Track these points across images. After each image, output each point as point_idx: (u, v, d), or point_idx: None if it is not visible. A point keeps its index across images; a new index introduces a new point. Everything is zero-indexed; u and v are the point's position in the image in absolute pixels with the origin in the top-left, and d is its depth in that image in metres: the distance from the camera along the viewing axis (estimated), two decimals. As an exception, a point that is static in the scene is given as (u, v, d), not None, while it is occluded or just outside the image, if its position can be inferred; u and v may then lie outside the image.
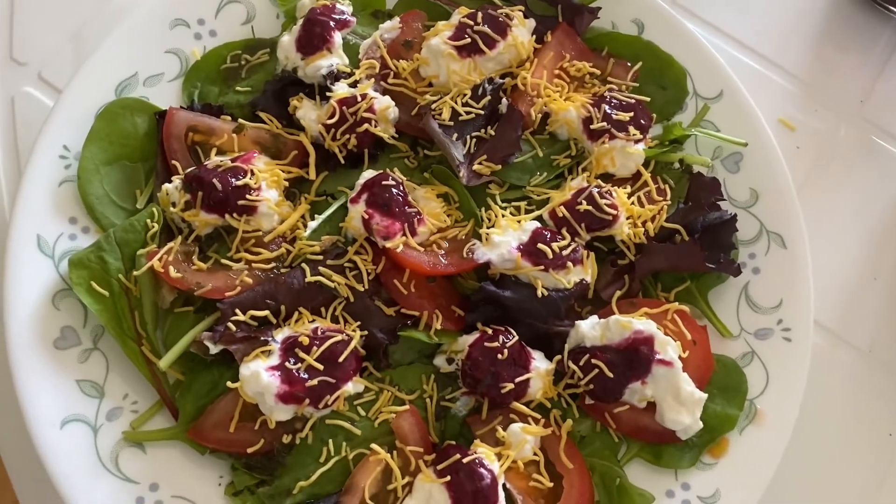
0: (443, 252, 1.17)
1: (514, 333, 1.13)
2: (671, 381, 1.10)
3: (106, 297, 1.11)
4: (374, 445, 1.07)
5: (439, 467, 1.05)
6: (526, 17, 1.31)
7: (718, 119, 1.31)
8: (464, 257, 1.16)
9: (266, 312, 1.10)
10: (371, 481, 1.06)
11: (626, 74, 1.32)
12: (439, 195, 1.22)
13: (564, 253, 1.16)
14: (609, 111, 1.25)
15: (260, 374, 1.05)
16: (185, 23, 1.29)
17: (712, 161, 1.28)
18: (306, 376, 1.06)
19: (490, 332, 1.13)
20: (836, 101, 1.51)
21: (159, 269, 1.11)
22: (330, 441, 1.08)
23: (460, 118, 1.22)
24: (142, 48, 1.26)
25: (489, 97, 1.23)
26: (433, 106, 1.23)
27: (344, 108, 1.20)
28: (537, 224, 1.18)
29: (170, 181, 1.19)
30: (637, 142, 1.24)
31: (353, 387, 1.09)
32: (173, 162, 1.20)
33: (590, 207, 1.18)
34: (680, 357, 1.11)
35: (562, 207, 1.19)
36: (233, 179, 1.15)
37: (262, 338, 1.09)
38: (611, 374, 1.10)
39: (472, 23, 1.26)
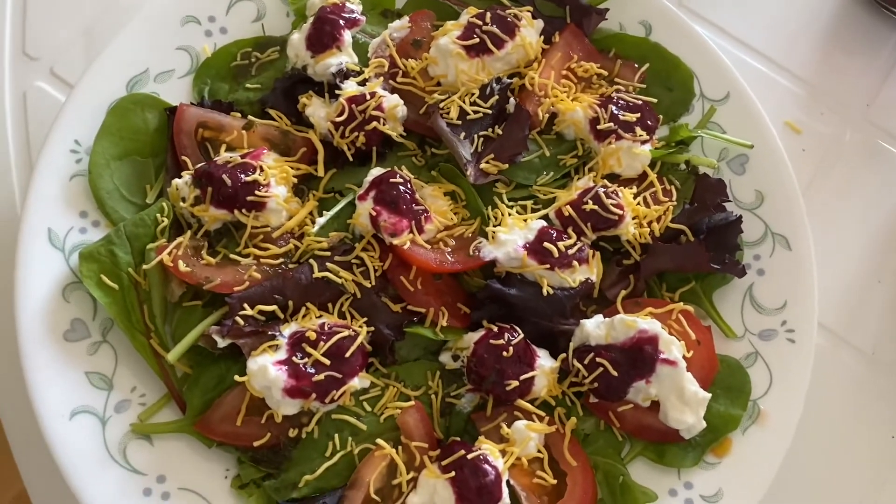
0: (449, 250, 1.17)
1: (520, 331, 1.14)
2: (675, 380, 1.11)
3: (115, 290, 1.12)
4: (379, 441, 1.08)
5: (444, 463, 1.06)
6: (534, 17, 1.31)
7: (725, 121, 1.31)
8: (470, 255, 1.17)
9: (274, 307, 1.11)
10: (376, 476, 1.06)
11: (634, 76, 1.33)
12: (446, 193, 1.23)
13: (570, 252, 1.16)
14: (616, 112, 1.25)
15: (267, 369, 1.05)
16: (195, 20, 1.30)
17: (718, 162, 1.29)
18: (313, 371, 1.07)
19: (495, 329, 1.13)
20: (842, 104, 1.52)
21: (169, 263, 1.12)
22: (336, 436, 1.09)
23: (468, 117, 1.23)
24: (153, 44, 1.27)
25: (497, 97, 1.24)
26: (441, 105, 1.24)
27: (353, 105, 1.21)
28: (543, 223, 1.19)
29: (180, 177, 1.19)
30: (643, 143, 1.25)
31: (359, 382, 1.10)
32: (183, 158, 1.21)
33: (596, 207, 1.18)
34: (684, 357, 1.12)
35: (568, 207, 1.20)
36: (242, 175, 1.16)
37: (269, 332, 1.10)
38: (615, 373, 1.11)
39: (480, 23, 1.27)
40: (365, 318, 1.14)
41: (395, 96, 1.25)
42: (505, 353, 1.11)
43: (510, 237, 1.17)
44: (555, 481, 1.09)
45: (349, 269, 1.15)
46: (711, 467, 1.14)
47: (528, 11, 1.31)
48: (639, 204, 1.22)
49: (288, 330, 1.10)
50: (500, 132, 1.24)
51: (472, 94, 1.24)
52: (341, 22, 1.28)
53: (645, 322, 1.13)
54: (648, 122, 1.26)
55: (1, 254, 1.27)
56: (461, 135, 1.22)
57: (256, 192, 1.15)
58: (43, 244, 1.14)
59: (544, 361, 1.14)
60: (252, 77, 1.31)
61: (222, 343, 1.09)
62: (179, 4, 1.30)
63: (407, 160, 1.26)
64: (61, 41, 1.43)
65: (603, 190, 1.20)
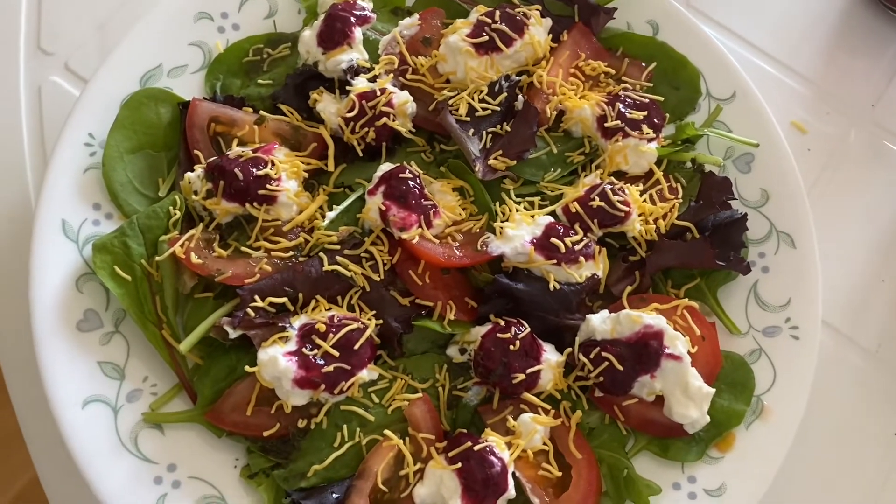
0: (457, 244, 1.19)
1: (526, 325, 1.15)
2: (680, 375, 1.12)
3: (128, 281, 1.13)
4: (387, 432, 1.09)
5: (451, 454, 1.07)
6: (543, 16, 1.33)
7: (731, 120, 1.32)
8: (478, 250, 1.18)
9: (284, 299, 1.13)
10: (384, 466, 1.08)
11: (641, 74, 1.34)
12: (455, 189, 1.24)
13: (577, 248, 1.17)
14: (623, 110, 1.27)
15: (278, 359, 1.07)
16: (208, 16, 1.32)
17: (724, 161, 1.30)
18: (322, 362, 1.08)
19: (502, 323, 1.14)
20: (847, 105, 1.53)
21: (181, 254, 1.13)
22: (344, 426, 1.10)
23: (477, 114, 1.24)
24: (166, 40, 1.29)
25: (505, 94, 1.25)
26: (450, 101, 1.25)
27: (363, 102, 1.23)
28: (550, 219, 1.20)
29: (192, 170, 1.21)
30: (650, 140, 1.26)
31: (367, 374, 1.12)
32: (195, 152, 1.23)
33: (602, 204, 1.20)
34: (689, 352, 1.13)
35: (575, 203, 1.21)
36: (254, 169, 1.17)
37: (279, 324, 1.11)
38: (620, 367, 1.12)
39: (489, 21, 1.28)
40: (373, 311, 1.15)
41: (405, 93, 1.26)
42: (511, 347, 1.12)
43: (517, 233, 1.18)
44: (560, 474, 1.10)
45: (358, 263, 1.16)
46: (715, 462, 1.15)
47: (537, 10, 1.33)
48: (645, 201, 1.24)
49: (298, 322, 1.12)
50: (509, 129, 1.25)
51: (481, 92, 1.26)
52: (352, 19, 1.29)
53: (650, 317, 1.14)
54: (655, 121, 1.28)
55: (15, 245, 1.29)
56: (470, 131, 1.24)
57: (267, 186, 1.17)
58: (57, 235, 1.16)
59: (550, 355, 1.15)
60: (264, 73, 1.32)
61: (233, 334, 1.10)
62: (193, 1, 1.31)
63: (416, 156, 1.27)
64: (76, 36, 1.45)
65: (610, 187, 1.21)
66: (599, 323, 1.15)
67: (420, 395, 1.12)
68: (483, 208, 1.23)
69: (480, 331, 1.15)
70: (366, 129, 1.23)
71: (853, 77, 1.55)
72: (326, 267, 1.14)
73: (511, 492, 1.07)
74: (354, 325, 1.11)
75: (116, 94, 1.24)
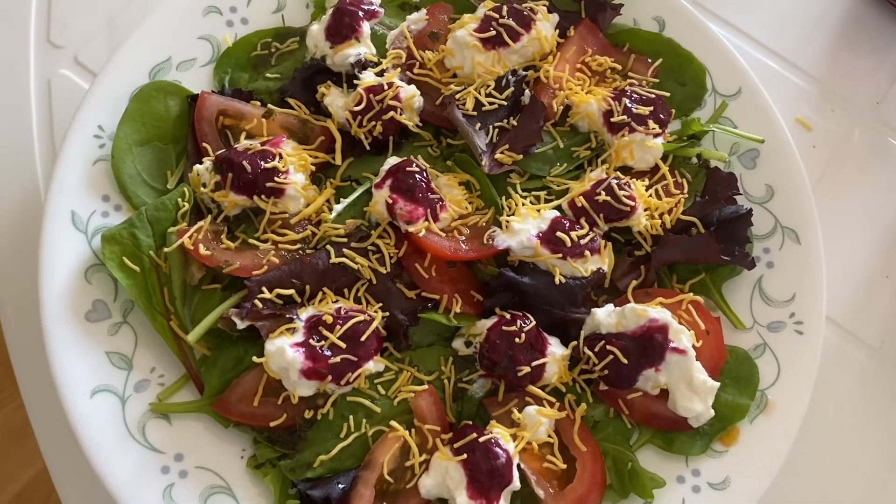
0: (464, 238, 1.19)
1: (532, 319, 1.15)
2: (684, 369, 1.12)
3: (136, 272, 1.14)
4: (393, 423, 1.10)
5: (456, 446, 1.07)
6: (550, 11, 1.33)
7: (736, 116, 1.33)
8: (484, 244, 1.19)
9: (291, 291, 1.13)
10: (389, 457, 1.08)
11: (647, 70, 1.35)
12: (461, 183, 1.25)
13: (582, 242, 1.18)
14: (629, 105, 1.27)
15: (285, 350, 1.08)
16: (217, 10, 1.33)
17: (729, 157, 1.30)
18: (329, 354, 1.09)
19: (508, 316, 1.15)
20: (852, 102, 1.53)
21: (189, 246, 1.14)
22: (350, 417, 1.11)
23: (483, 108, 1.25)
24: (175, 34, 1.29)
25: (512, 89, 1.26)
26: (457, 96, 1.26)
27: (370, 95, 1.23)
28: (556, 213, 1.21)
29: (200, 163, 1.22)
30: (656, 136, 1.27)
31: (373, 366, 1.12)
32: (204, 144, 1.24)
33: (608, 198, 1.20)
34: (693, 346, 1.13)
35: (581, 198, 1.21)
36: (262, 162, 1.18)
37: (287, 316, 1.12)
38: (625, 361, 1.12)
39: (497, 16, 1.29)
40: (380, 304, 1.16)
41: (412, 87, 1.27)
42: (517, 340, 1.12)
43: (523, 226, 1.18)
44: (564, 466, 1.11)
45: (365, 256, 1.17)
46: (719, 455, 1.16)
47: (544, 5, 1.33)
48: (651, 196, 1.24)
49: (305, 314, 1.12)
50: (515, 123, 1.26)
51: (488, 86, 1.26)
52: (360, 13, 1.30)
53: (655, 311, 1.14)
54: (661, 116, 1.28)
55: (25, 236, 1.29)
56: (476, 125, 1.25)
57: (275, 179, 1.17)
58: (66, 226, 1.17)
59: (555, 349, 1.15)
60: (272, 67, 1.33)
61: (241, 325, 1.11)
62: (201, -5, 1.32)
63: (423, 150, 1.28)
64: (85, 30, 1.45)
65: (615, 182, 1.22)
66: (604, 316, 1.16)
67: (426, 387, 1.13)
68: (489, 202, 1.24)
69: (486, 324, 1.15)
70: (373, 122, 1.23)
71: (858, 75, 1.55)
72: (333, 259, 1.15)
73: (516, 483, 1.07)
74: (361, 317, 1.12)
75: (126, 86, 1.25)
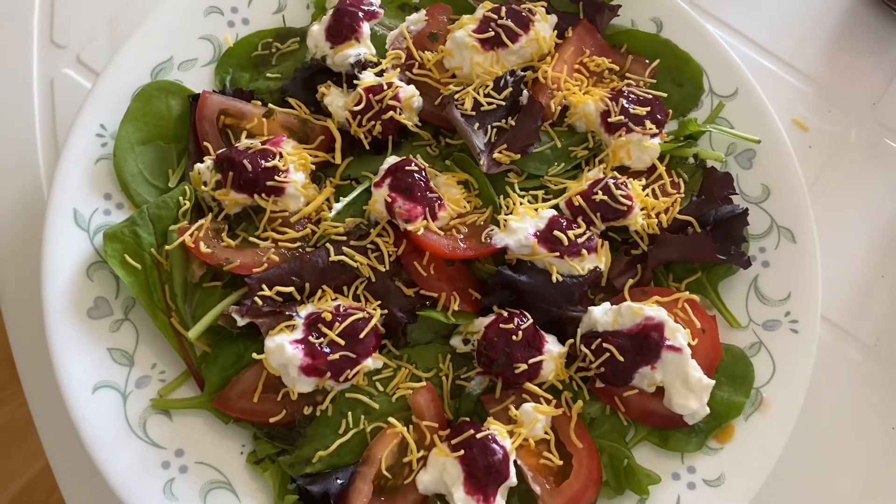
0: (462, 237, 1.20)
1: (529, 317, 1.16)
2: (680, 366, 1.13)
3: (138, 269, 1.15)
4: (391, 419, 1.11)
5: (453, 442, 1.08)
6: (548, 13, 1.34)
7: (733, 116, 1.34)
8: (482, 242, 1.20)
9: (291, 289, 1.14)
10: (387, 453, 1.09)
11: (644, 71, 1.36)
12: (460, 182, 1.26)
13: (579, 241, 1.19)
14: (626, 105, 1.28)
15: (284, 347, 1.09)
16: (218, 10, 1.34)
17: (726, 157, 1.31)
18: (328, 351, 1.10)
19: (505, 314, 1.16)
20: (849, 103, 1.54)
21: (190, 244, 1.15)
22: (349, 414, 1.12)
23: (482, 108, 1.26)
24: (177, 34, 1.30)
25: (510, 89, 1.27)
26: (456, 96, 1.27)
27: (370, 95, 1.25)
28: (554, 212, 1.22)
29: (201, 161, 1.23)
30: (653, 136, 1.28)
31: (372, 363, 1.13)
32: (205, 143, 1.25)
33: (605, 198, 1.21)
34: (689, 344, 1.14)
35: (578, 197, 1.22)
36: (262, 161, 1.19)
37: (286, 313, 1.13)
38: (621, 359, 1.13)
39: (495, 17, 1.30)
40: (379, 302, 1.17)
41: (412, 87, 1.28)
42: (514, 338, 1.13)
43: (521, 225, 1.19)
44: (561, 462, 1.12)
45: (364, 254, 1.18)
46: (714, 453, 1.17)
47: (543, 6, 1.34)
48: (647, 195, 1.25)
49: (304, 311, 1.13)
50: (513, 123, 1.27)
51: (487, 86, 1.27)
52: (360, 14, 1.31)
53: (651, 309, 1.15)
54: (658, 116, 1.29)
55: (27, 233, 1.31)
56: (475, 125, 1.26)
57: (276, 178, 1.18)
58: (69, 224, 1.18)
59: (552, 346, 1.16)
60: (272, 67, 1.34)
61: (241, 322, 1.12)
62: (203, -5, 1.33)
63: (422, 149, 1.29)
64: (88, 30, 1.46)
65: (612, 181, 1.23)
66: (601, 315, 1.17)
67: (424, 384, 1.14)
68: (487, 201, 1.25)
69: (484, 321, 1.16)
70: (372, 122, 1.24)
71: (855, 76, 1.56)
72: (333, 257, 1.16)
73: (512, 479, 1.08)
74: (360, 315, 1.13)
75: (128, 86, 1.26)
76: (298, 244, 1.19)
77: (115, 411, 1.11)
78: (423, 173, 1.21)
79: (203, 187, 1.21)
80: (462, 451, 1.07)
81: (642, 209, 1.24)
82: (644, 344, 1.14)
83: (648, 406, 1.16)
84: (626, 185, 1.23)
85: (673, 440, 1.17)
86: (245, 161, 1.18)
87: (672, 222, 1.24)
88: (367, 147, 1.26)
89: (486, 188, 1.25)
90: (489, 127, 1.26)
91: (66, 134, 1.22)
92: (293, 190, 1.20)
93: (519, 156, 1.25)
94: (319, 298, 1.16)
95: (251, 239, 1.19)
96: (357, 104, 1.25)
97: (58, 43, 1.46)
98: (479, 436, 1.08)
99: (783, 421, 1.17)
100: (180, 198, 1.20)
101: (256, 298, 1.12)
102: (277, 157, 1.20)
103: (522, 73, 1.30)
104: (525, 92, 1.29)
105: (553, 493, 1.10)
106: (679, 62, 1.36)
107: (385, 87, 1.25)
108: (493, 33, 1.29)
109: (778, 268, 1.25)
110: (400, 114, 1.25)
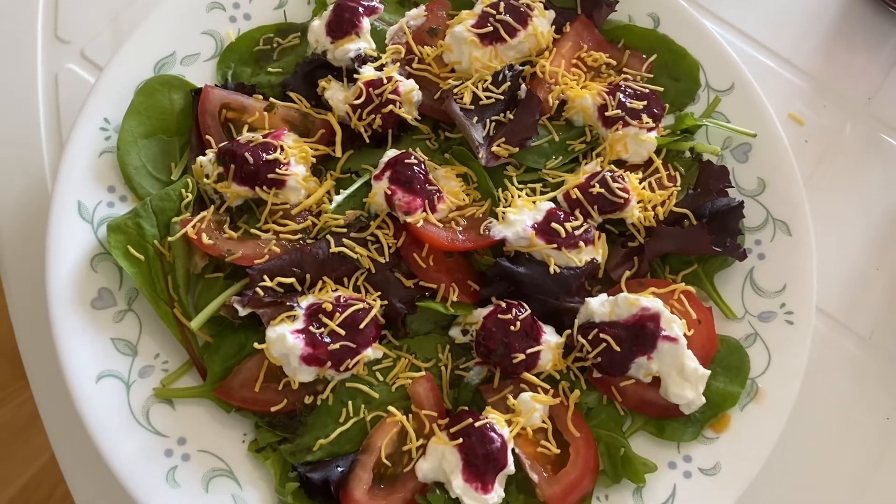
0: (461, 229, 1.22)
1: (527, 308, 1.17)
2: (676, 356, 1.14)
3: (141, 261, 1.17)
4: (390, 408, 1.13)
5: (452, 430, 1.10)
6: (546, 8, 1.35)
7: (729, 111, 1.35)
8: (480, 234, 1.21)
9: (292, 280, 1.16)
10: (387, 442, 1.11)
11: (641, 66, 1.37)
12: (459, 175, 1.27)
13: (577, 233, 1.20)
14: (624, 100, 1.29)
15: (286, 337, 1.10)
16: (220, 6, 1.35)
17: (722, 151, 1.32)
18: (329, 340, 1.12)
19: (504, 305, 1.17)
20: (844, 98, 1.55)
21: (193, 235, 1.17)
22: (349, 403, 1.13)
23: (481, 102, 1.27)
24: (180, 29, 1.32)
25: (509, 83, 1.29)
26: (455, 90, 1.28)
27: (370, 89, 1.26)
28: (552, 205, 1.23)
29: (204, 154, 1.24)
30: (650, 130, 1.29)
31: (372, 352, 1.15)
32: (207, 137, 1.26)
33: (602, 191, 1.22)
34: (685, 335, 1.15)
35: (575, 190, 1.24)
36: (263, 154, 1.20)
37: (287, 303, 1.14)
38: (618, 349, 1.14)
39: (494, 12, 1.31)
40: (379, 293, 1.18)
41: (411, 81, 1.29)
42: (512, 328, 1.14)
43: (519, 217, 1.21)
44: (558, 451, 1.13)
45: (364, 246, 1.19)
46: (710, 442, 1.18)
47: (541, 2, 1.35)
48: (644, 188, 1.26)
49: (305, 301, 1.15)
50: (512, 117, 1.28)
51: (485, 81, 1.29)
52: (360, 10, 1.33)
53: (647, 300, 1.16)
54: (655, 111, 1.30)
55: (32, 225, 1.32)
56: (474, 119, 1.27)
57: (277, 171, 1.20)
58: (73, 216, 1.19)
59: (550, 337, 1.18)
60: (274, 61, 1.36)
61: (243, 312, 1.13)
62: (205, -9, 1.35)
63: (421, 143, 1.30)
64: (91, 25, 1.48)
65: (610, 174, 1.24)
66: (598, 306, 1.18)
67: (423, 373, 1.15)
68: (486, 194, 1.26)
69: (482, 312, 1.18)
70: (372, 116, 1.26)
71: (851, 71, 1.57)
72: (333, 249, 1.18)
73: (510, 467, 1.10)
74: (360, 306, 1.14)
75: (131, 80, 1.27)
76: (299, 236, 1.21)
77: (119, 400, 1.13)
78: (423, 166, 1.22)
79: (205, 180, 1.22)
80: (461, 440, 1.09)
81: (639, 202, 1.25)
82: (640, 334, 1.15)
83: (645, 396, 1.18)
84: (623, 179, 1.24)
85: (669, 429, 1.18)
86: (247, 154, 1.20)
87: (668, 215, 1.26)
88: (368, 140, 1.28)
89: (484, 181, 1.26)
90: (488, 121, 1.28)
91: (70, 128, 1.24)
92: (294, 183, 1.21)
93: (517, 149, 1.27)
94: (320, 289, 1.17)
95: (253, 231, 1.20)
96: (357, 98, 1.26)
97: (62, 38, 1.48)
98: (477, 424, 1.09)
99: (778, 411, 1.18)
100: (183, 190, 1.21)
101: (258, 289, 1.14)
102: (278, 151, 1.21)
103: (521, 68, 1.31)
104: (523, 86, 1.30)
105: (550, 481, 1.12)
106: (676, 57, 1.38)
107: (385, 81, 1.27)
108: (491, 28, 1.30)
109: (773, 260, 1.27)
110: (400, 108, 1.26)
